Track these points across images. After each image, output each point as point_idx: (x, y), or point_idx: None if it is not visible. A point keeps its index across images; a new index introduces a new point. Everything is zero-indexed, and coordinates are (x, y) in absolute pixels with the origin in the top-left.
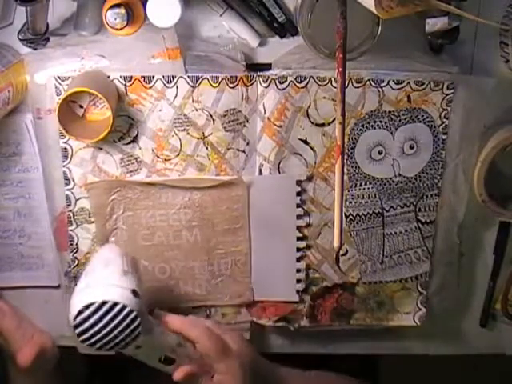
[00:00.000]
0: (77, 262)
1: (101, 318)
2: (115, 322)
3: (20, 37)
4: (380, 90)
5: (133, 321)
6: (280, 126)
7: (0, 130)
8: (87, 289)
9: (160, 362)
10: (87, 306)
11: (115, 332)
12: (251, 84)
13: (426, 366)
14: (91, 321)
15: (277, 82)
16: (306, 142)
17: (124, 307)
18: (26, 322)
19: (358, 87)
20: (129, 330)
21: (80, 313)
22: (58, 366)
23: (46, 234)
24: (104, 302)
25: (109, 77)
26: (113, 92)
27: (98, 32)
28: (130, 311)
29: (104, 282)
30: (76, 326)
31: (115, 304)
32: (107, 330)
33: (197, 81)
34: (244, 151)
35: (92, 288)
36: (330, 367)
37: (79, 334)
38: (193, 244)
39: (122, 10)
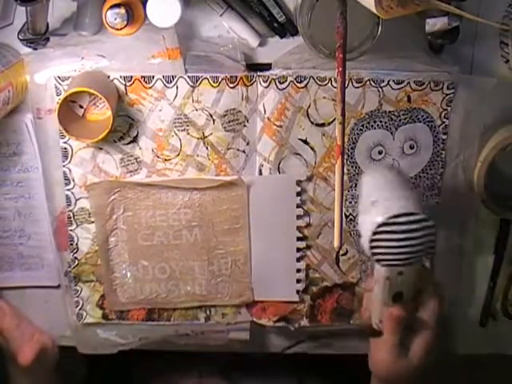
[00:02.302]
0: (77, 262)
1: (406, 230)
2: (419, 235)
3: (20, 37)
4: (380, 90)
5: (430, 238)
6: (280, 126)
7: (0, 130)
8: (404, 199)
9: (391, 298)
10: (399, 215)
11: (412, 246)
12: (251, 84)
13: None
14: (399, 227)
15: (277, 82)
16: (305, 142)
17: (432, 226)
18: (26, 322)
19: (357, 87)
20: (425, 247)
21: (392, 217)
22: (58, 366)
23: (46, 234)
24: (416, 215)
25: (109, 77)
26: (113, 92)
27: (97, 32)
28: (434, 231)
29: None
30: (383, 226)
31: (426, 220)
32: (409, 241)
33: (197, 81)
34: (244, 151)
35: (390, 201)
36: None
37: (380, 234)
38: (193, 244)
39: (122, 10)
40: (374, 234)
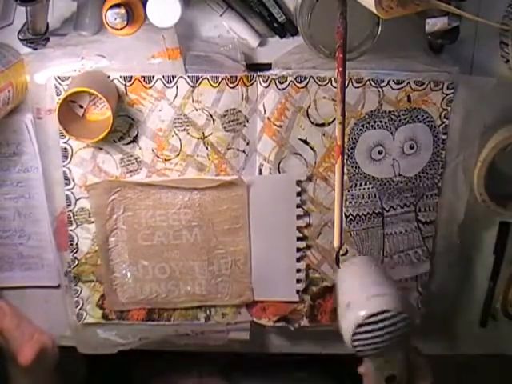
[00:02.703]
0: (77, 262)
1: (383, 326)
2: (394, 329)
3: (20, 37)
4: (380, 90)
5: (406, 329)
6: (280, 126)
7: (0, 130)
8: (367, 301)
9: (386, 380)
10: (376, 314)
11: (391, 339)
12: (251, 84)
13: None
14: (375, 326)
15: (277, 82)
16: (306, 142)
17: (406, 318)
18: (26, 321)
19: (358, 87)
20: (402, 336)
21: (370, 316)
22: (58, 365)
23: (46, 234)
24: (391, 312)
25: (109, 77)
26: (113, 92)
27: (97, 32)
28: (408, 323)
29: (377, 293)
30: (360, 327)
31: (400, 314)
32: (386, 336)
33: (197, 81)
34: (244, 151)
35: (371, 300)
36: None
37: (358, 343)
38: (193, 244)
39: (122, 10)
40: (354, 334)
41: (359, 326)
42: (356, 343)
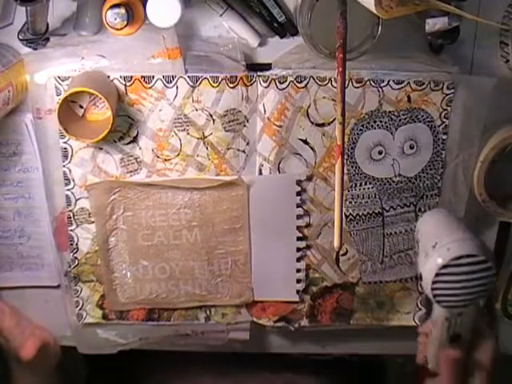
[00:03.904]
0: (77, 261)
1: (467, 271)
2: (479, 276)
3: (20, 37)
4: (380, 89)
5: (491, 282)
6: (280, 126)
7: (0, 130)
8: (465, 241)
9: (449, 339)
10: (463, 256)
11: (474, 287)
12: (251, 84)
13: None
14: (461, 269)
15: (277, 82)
16: (305, 142)
17: (491, 268)
18: (25, 320)
19: (358, 87)
20: (485, 289)
21: (458, 258)
22: (58, 366)
23: (46, 234)
24: (480, 257)
25: (109, 77)
26: (113, 92)
27: (97, 32)
28: (493, 273)
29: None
30: (444, 268)
31: (486, 261)
32: (470, 283)
33: (197, 81)
34: (244, 151)
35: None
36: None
37: (438, 286)
38: (193, 244)
39: (122, 10)
40: (436, 275)
41: (444, 266)
42: (436, 286)
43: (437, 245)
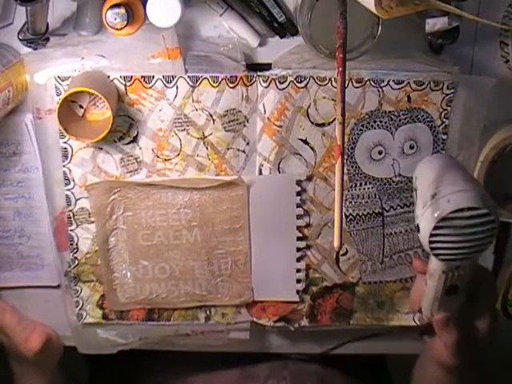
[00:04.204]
0: (77, 261)
1: (468, 224)
2: (480, 230)
3: (20, 37)
4: (380, 89)
5: (492, 235)
6: (280, 126)
7: (0, 130)
8: (466, 192)
9: (446, 290)
10: (463, 209)
11: (474, 241)
12: (251, 84)
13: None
14: (460, 222)
15: (277, 82)
16: (305, 142)
17: (493, 221)
18: (25, 319)
19: (358, 87)
20: (486, 243)
21: (458, 211)
22: (59, 365)
23: (46, 234)
24: (482, 210)
25: (109, 77)
26: (113, 92)
27: (97, 32)
28: (495, 226)
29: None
30: (442, 221)
31: (489, 215)
32: (469, 237)
33: (197, 81)
34: (244, 151)
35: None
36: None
37: (437, 239)
38: (193, 244)
39: (122, 10)
40: (435, 228)
41: (443, 219)
42: (434, 239)
43: (436, 195)
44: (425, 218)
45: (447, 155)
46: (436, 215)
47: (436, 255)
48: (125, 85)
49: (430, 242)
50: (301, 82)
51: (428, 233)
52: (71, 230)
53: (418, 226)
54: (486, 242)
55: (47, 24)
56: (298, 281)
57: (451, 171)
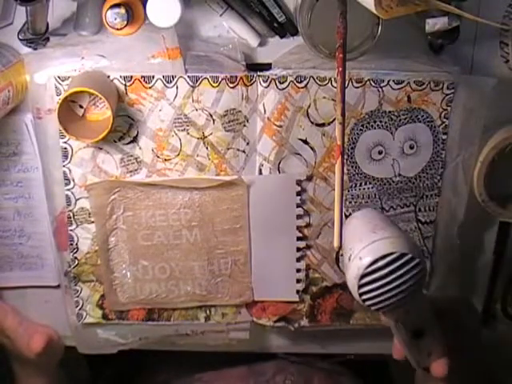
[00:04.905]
0: (77, 261)
1: (388, 272)
2: (402, 273)
3: (20, 37)
4: (380, 90)
5: (419, 273)
6: (280, 126)
7: (0, 130)
8: (377, 242)
9: (412, 337)
10: (377, 260)
11: (401, 285)
12: (251, 84)
13: None
14: (380, 273)
15: (277, 81)
16: (305, 141)
17: (413, 258)
18: (26, 320)
19: (358, 87)
20: (415, 283)
21: (372, 264)
22: (60, 366)
23: (46, 234)
24: (395, 253)
25: (109, 77)
26: (113, 92)
27: (97, 32)
28: (418, 263)
29: (387, 236)
30: (363, 278)
31: (405, 255)
32: (395, 283)
33: (197, 81)
34: (244, 151)
35: (382, 241)
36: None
37: (366, 297)
38: (193, 244)
39: (122, 10)
40: (359, 287)
41: (363, 276)
42: (364, 297)
43: (351, 256)
44: (349, 281)
45: (363, 211)
46: (355, 276)
47: (376, 310)
48: (125, 85)
49: (363, 301)
50: (301, 81)
51: (356, 294)
52: (71, 230)
53: (347, 283)
54: (416, 281)
55: (47, 24)
56: (298, 281)
57: (362, 227)
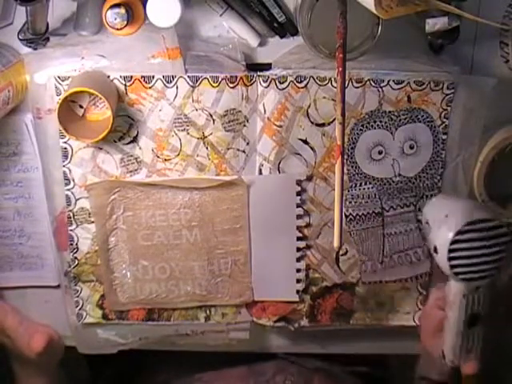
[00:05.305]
0: (77, 261)
1: (484, 237)
2: (493, 243)
3: (20, 37)
4: (380, 90)
5: (506, 249)
6: (280, 126)
7: (0, 130)
8: (478, 208)
9: (468, 322)
10: (477, 222)
11: (491, 255)
12: (251, 84)
13: None
14: (472, 239)
15: (277, 81)
16: (305, 141)
17: (507, 233)
18: (27, 320)
19: (357, 87)
20: (502, 258)
21: (470, 224)
22: (60, 366)
23: (46, 234)
24: (493, 221)
25: (109, 77)
26: (113, 92)
27: (97, 32)
28: (509, 239)
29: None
30: (454, 245)
31: (501, 226)
32: (485, 251)
33: (197, 81)
34: (244, 151)
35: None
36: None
37: (455, 255)
38: (193, 244)
39: (122, 10)
40: (452, 243)
41: (459, 232)
42: (453, 255)
43: (449, 214)
44: (441, 236)
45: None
46: (452, 230)
47: (456, 274)
48: (125, 85)
49: (449, 259)
50: (301, 81)
51: (446, 249)
52: (71, 230)
53: (435, 247)
54: (501, 256)
55: (47, 24)
56: (298, 281)
57: (457, 198)
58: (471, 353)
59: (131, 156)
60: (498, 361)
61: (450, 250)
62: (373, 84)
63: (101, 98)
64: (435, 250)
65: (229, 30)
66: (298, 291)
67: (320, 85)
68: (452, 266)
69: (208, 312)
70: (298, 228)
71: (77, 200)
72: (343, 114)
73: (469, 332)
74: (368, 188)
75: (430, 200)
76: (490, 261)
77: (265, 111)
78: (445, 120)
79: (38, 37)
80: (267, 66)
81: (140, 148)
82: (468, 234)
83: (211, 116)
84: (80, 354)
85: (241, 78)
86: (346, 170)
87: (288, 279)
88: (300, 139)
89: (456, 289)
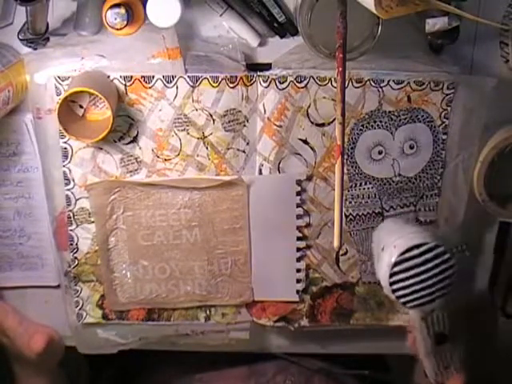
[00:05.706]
0: (77, 261)
1: (421, 262)
2: (434, 265)
3: (20, 37)
4: (380, 90)
5: (450, 268)
6: (280, 126)
7: (0, 130)
8: (411, 234)
9: (435, 341)
10: (412, 248)
11: (432, 277)
12: (251, 84)
13: None
14: (413, 261)
15: (277, 81)
16: (306, 141)
17: (445, 252)
18: (27, 320)
19: (358, 87)
20: (445, 278)
21: (405, 252)
22: (60, 366)
23: (46, 234)
24: (429, 244)
25: (109, 77)
26: (113, 92)
27: (97, 32)
28: (450, 258)
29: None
30: (396, 266)
31: (438, 247)
32: (426, 274)
33: (197, 81)
34: (244, 151)
35: (415, 233)
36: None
37: (396, 286)
38: (193, 244)
39: (122, 10)
40: (391, 276)
41: (395, 264)
42: (394, 287)
43: (384, 247)
44: (381, 270)
45: (392, 218)
46: (388, 263)
47: (403, 304)
48: (125, 85)
49: (393, 292)
50: (301, 81)
51: (387, 283)
52: (71, 230)
53: (378, 280)
54: (446, 276)
55: (47, 24)
56: (298, 281)
57: (394, 226)
58: (449, 368)
59: (131, 156)
60: (493, 365)
61: (391, 283)
62: (373, 84)
63: (101, 98)
64: (379, 282)
65: (229, 30)
66: (298, 291)
67: (320, 85)
68: (397, 298)
69: (208, 312)
70: (298, 228)
71: (77, 200)
72: (343, 114)
73: (439, 349)
74: (368, 188)
75: (374, 231)
76: (433, 283)
77: (265, 111)
78: (445, 120)
79: (38, 37)
80: (267, 66)
81: (140, 148)
82: (403, 264)
83: (211, 116)
84: (80, 354)
85: (241, 78)
86: (346, 170)
87: (288, 279)
88: (300, 139)
89: (413, 314)
